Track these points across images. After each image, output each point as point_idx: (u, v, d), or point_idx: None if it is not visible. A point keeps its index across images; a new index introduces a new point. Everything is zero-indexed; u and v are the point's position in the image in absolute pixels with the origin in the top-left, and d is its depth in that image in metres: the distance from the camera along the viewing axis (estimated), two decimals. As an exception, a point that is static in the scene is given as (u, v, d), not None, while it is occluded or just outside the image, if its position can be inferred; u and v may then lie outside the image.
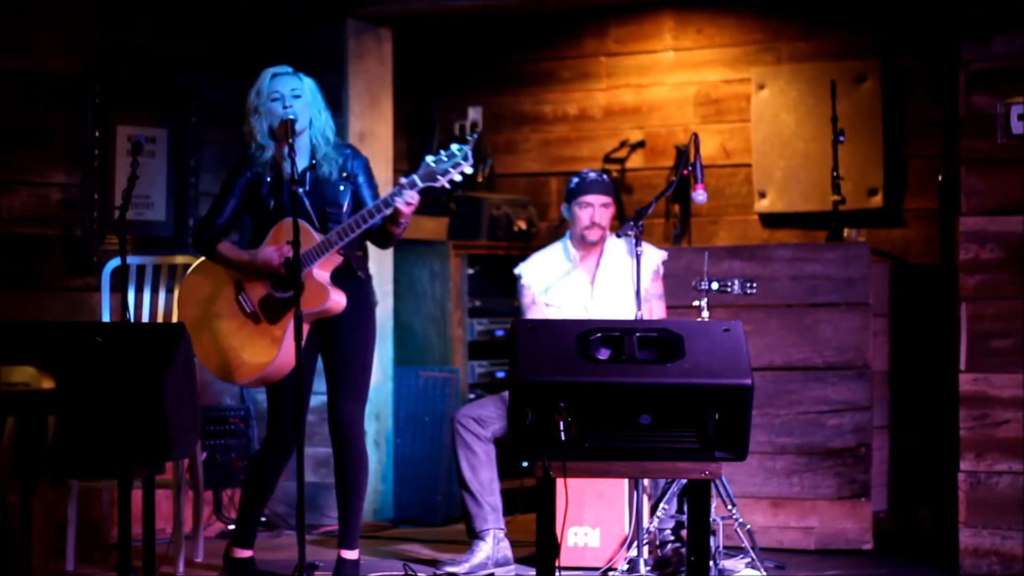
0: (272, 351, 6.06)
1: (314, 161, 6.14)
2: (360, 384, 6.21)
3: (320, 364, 6.28)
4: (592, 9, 8.88)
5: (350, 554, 6.25)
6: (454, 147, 5.95)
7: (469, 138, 6.00)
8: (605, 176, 6.89)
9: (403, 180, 5.95)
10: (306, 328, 6.05)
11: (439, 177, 5.93)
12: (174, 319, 6.37)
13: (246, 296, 6.15)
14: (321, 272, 6.03)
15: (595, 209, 6.77)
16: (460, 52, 9.31)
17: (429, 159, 5.96)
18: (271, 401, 6.28)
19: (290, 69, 6.16)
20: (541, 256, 6.95)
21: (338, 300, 6.07)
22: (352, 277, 6.15)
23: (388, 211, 5.94)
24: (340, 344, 6.17)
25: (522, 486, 7.86)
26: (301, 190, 6.00)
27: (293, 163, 5.91)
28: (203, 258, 6.27)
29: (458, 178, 5.96)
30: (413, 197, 5.93)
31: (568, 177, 7.04)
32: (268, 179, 6.15)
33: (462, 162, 5.93)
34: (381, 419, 8.07)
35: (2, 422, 4.74)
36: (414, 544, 7.35)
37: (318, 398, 6.41)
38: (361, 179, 6.18)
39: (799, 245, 7.37)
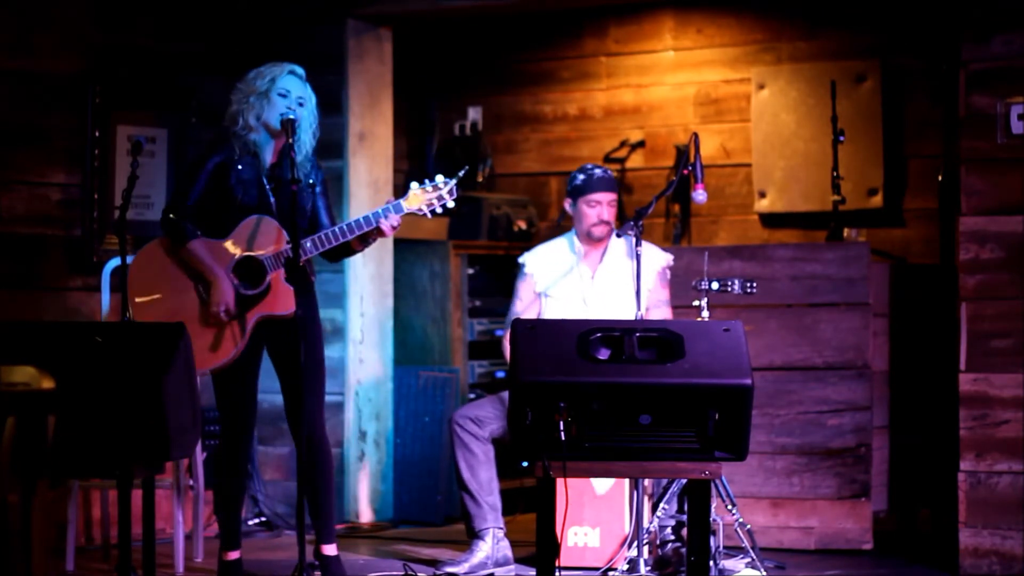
0: (231, 346, 6.07)
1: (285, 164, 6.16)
2: (318, 381, 6.25)
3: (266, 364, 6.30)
4: (592, 9, 8.88)
5: (330, 548, 6.26)
6: (439, 179, 6.18)
7: (458, 174, 6.23)
8: (609, 171, 6.88)
9: (389, 203, 6.09)
10: (251, 327, 6.09)
11: (423, 207, 6.15)
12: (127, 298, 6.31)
13: (207, 284, 6.13)
14: (279, 273, 6.07)
15: (603, 207, 6.77)
16: (460, 52, 9.31)
17: (414, 186, 6.16)
18: (221, 397, 6.26)
19: (304, 75, 6.20)
20: (547, 247, 6.96)
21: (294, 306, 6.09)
22: (306, 281, 6.19)
23: (368, 228, 6.08)
24: (294, 344, 6.13)
25: (522, 486, 7.86)
26: (269, 186, 6.04)
27: (293, 162, 5.91)
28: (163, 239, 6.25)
29: (439, 210, 6.18)
30: (396, 220, 6.10)
31: (569, 174, 7.01)
32: (239, 167, 6.14)
33: (446, 196, 6.16)
34: (381, 419, 8.07)
35: (2, 422, 4.73)
36: (414, 544, 7.35)
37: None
38: (319, 189, 6.26)
39: (799, 245, 7.38)
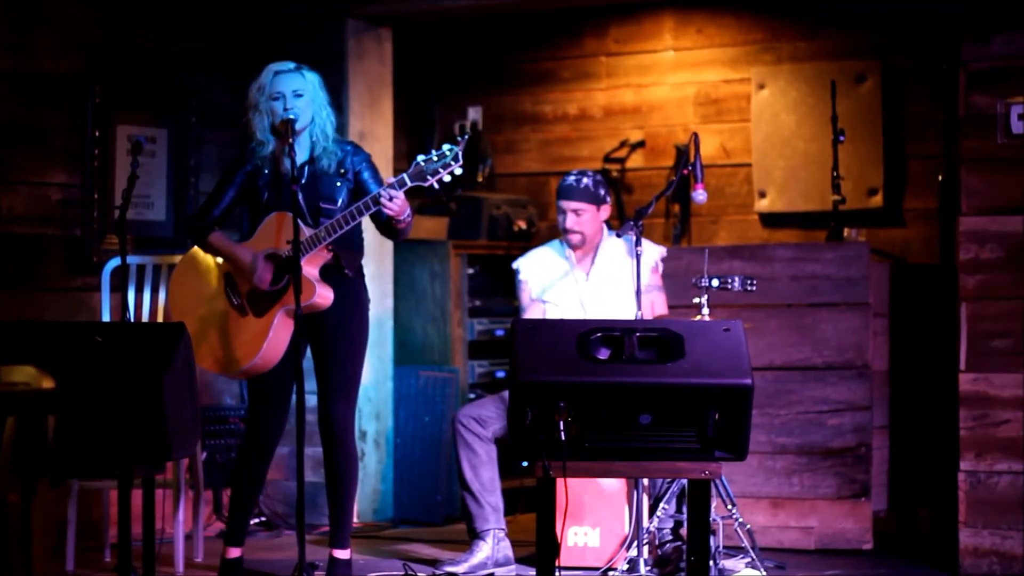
0: (257, 345, 6.05)
1: (313, 156, 6.14)
2: (351, 383, 6.20)
3: (309, 362, 6.27)
4: (592, 9, 8.88)
5: (343, 553, 6.26)
6: (445, 147, 5.95)
7: (460, 139, 6.00)
8: (588, 179, 6.76)
9: (391, 179, 5.97)
10: (276, 322, 6.06)
11: (428, 177, 5.93)
12: (169, 314, 6.37)
13: (234, 288, 6.15)
14: (309, 267, 6.00)
15: (567, 215, 6.74)
16: (460, 52, 9.31)
17: (420, 159, 5.96)
18: (252, 396, 6.27)
19: (293, 66, 6.14)
20: (539, 252, 6.95)
21: (325, 295, 6.05)
22: (340, 275, 6.14)
23: (375, 209, 5.95)
24: (330, 343, 6.16)
25: (522, 486, 7.86)
26: (297, 185, 6.00)
27: (293, 162, 5.91)
28: (194, 248, 6.28)
29: (447, 179, 5.95)
30: (396, 196, 5.91)
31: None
32: (266, 171, 6.15)
33: (452, 163, 5.91)
34: (381, 419, 8.06)
35: (2, 422, 4.73)
36: (414, 544, 7.35)
37: (312, 397, 6.39)
38: (366, 174, 6.16)
39: (799, 245, 7.37)
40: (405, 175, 5.94)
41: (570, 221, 6.73)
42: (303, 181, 6.08)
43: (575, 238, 6.76)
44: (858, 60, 8.26)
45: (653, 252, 6.80)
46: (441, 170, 5.93)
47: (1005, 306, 6.49)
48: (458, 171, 5.94)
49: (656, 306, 6.74)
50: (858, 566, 6.73)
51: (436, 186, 5.98)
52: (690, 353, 4.84)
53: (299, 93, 6.08)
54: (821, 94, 8.15)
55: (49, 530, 5.28)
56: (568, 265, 6.84)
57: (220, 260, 6.20)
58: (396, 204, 5.92)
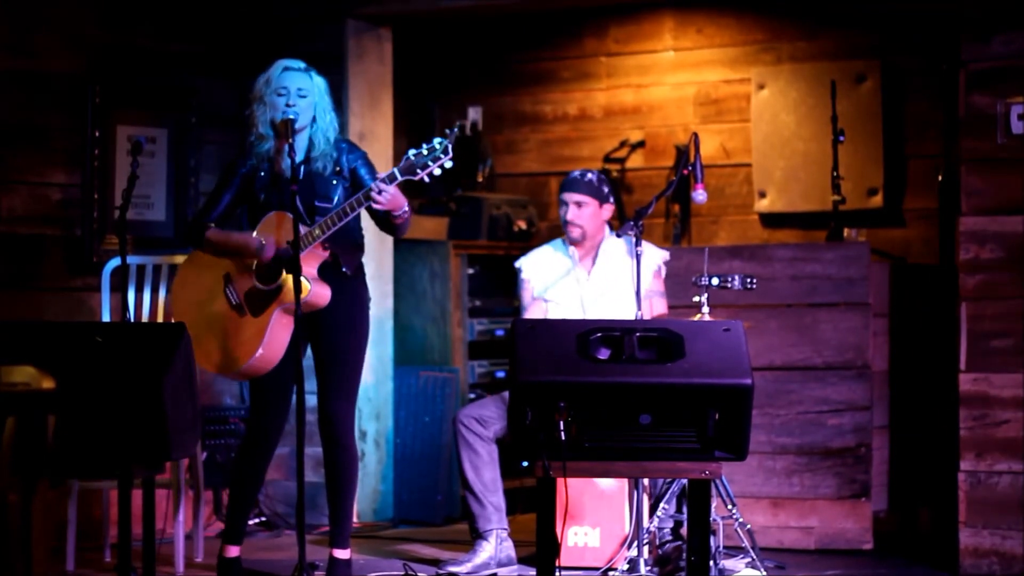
0: (254, 344, 6.05)
1: (309, 156, 6.14)
2: (351, 383, 6.20)
3: (309, 361, 6.26)
4: (592, 9, 8.88)
5: (343, 553, 6.26)
6: (435, 141, 5.95)
7: (448, 132, 6.00)
8: (592, 175, 6.81)
9: (381, 175, 5.97)
10: (272, 321, 6.05)
11: (419, 171, 5.94)
12: (171, 317, 6.38)
13: (233, 288, 6.15)
14: (305, 266, 5.98)
15: (569, 207, 6.76)
16: (460, 52, 9.31)
17: (410, 153, 5.97)
18: (254, 395, 6.27)
19: (303, 65, 6.15)
20: (542, 251, 6.96)
21: (320, 293, 6.05)
22: (339, 274, 6.14)
23: (367, 204, 5.95)
24: (329, 342, 6.16)
25: (522, 486, 7.86)
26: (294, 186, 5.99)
27: (293, 162, 5.91)
28: (195, 251, 6.28)
29: (438, 172, 5.95)
30: (386, 190, 5.90)
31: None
32: (262, 173, 6.15)
33: (442, 156, 5.92)
34: (381, 419, 8.07)
35: (2, 422, 4.74)
36: (414, 544, 7.35)
37: (312, 397, 6.39)
38: (362, 171, 6.17)
39: (799, 245, 7.38)
40: (396, 169, 5.95)
41: (571, 213, 6.74)
42: (299, 180, 6.08)
43: (575, 231, 6.76)
44: (858, 60, 8.27)
45: (656, 256, 6.80)
46: (431, 163, 5.93)
47: (1005, 306, 6.49)
48: (448, 164, 5.94)
49: (655, 309, 6.74)
50: (858, 566, 6.73)
51: (427, 179, 5.98)
52: (690, 353, 4.84)
53: (303, 93, 6.09)
54: (821, 94, 8.16)
55: (49, 530, 5.29)
56: (570, 263, 6.85)
57: (219, 261, 6.19)
58: (385, 198, 5.91)
